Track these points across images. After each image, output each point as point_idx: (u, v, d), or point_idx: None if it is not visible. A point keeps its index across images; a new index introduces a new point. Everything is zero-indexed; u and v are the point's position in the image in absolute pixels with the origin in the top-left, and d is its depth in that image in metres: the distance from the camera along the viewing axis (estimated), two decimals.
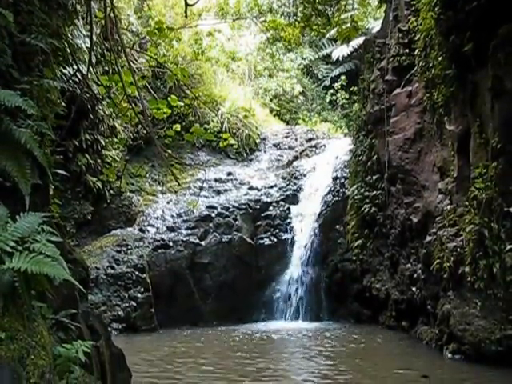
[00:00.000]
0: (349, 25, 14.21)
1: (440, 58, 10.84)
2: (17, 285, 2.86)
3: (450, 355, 10.35)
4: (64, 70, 10.95)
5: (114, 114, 16.02)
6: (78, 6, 11.53)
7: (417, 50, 12.33)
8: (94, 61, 13.25)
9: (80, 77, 11.61)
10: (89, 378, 3.53)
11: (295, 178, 17.88)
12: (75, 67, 8.71)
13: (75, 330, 4.23)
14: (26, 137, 3.51)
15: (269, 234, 16.17)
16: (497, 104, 9.24)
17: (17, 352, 2.79)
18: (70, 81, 11.37)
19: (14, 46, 4.95)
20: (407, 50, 13.13)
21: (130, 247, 15.13)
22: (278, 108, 26.13)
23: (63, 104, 9.18)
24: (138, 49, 17.51)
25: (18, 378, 2.66)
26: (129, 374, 5.95)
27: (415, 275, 12.54)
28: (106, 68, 15.44)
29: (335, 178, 17.17)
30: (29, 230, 3.04)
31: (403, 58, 13.18)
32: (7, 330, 2.81)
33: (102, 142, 15.98)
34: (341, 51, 26.23)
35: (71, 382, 3.17)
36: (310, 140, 20.69)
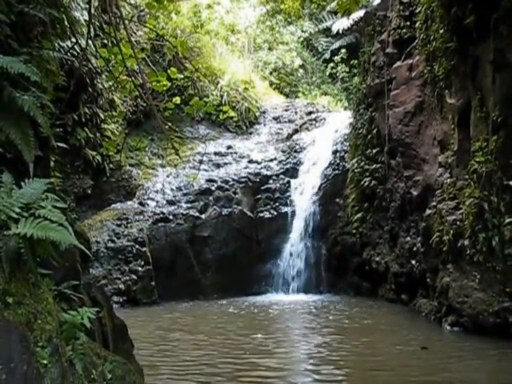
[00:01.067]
0: None
1: (441, 31, 10.78)
2: (22, 251, 2.89)
3: (448, 327, 10.45)
4: (62, 44, 10.88)
5: (113, 88, 15.95)
6: None
7: (418, 23, 12.25)
8: (92, 34, 13.16)
9: (78, 50, 11.57)
10: (93, 345, 3.59)
11: (295, 151, 17.87)
12: (74, 40, 8.66)
13: (78, 301, 4.27)
14: (29, 104, 3.50)
15: (269, 207, 16.23)
16: (498, 77, 9.22)
17: (24, 317, 2.84)
18: (69, 54, 11.30)
19: (13, 16, 4.92)
20: (408, 23, 13.05)
21: (130, 221, 15.18)
22: (277, 81, 25.99)
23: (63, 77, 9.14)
24: (137, 21, 17.38)
25: (27, 341, 2.72)
26: (131, 345, 6.00)
27: (415, 248, 12.62)
28: (105, 41, 15.33)
29: (335, 152, 17.17)
30: (34, 197, 3.06)
31: (404, 30, 13.11)
32: (14, 295, 2.85)
33: (101, 115, 15.93)
34: (341, 24, 25.98)
35: (77, 347, 3.22)
36: (309, 113, 20.63)
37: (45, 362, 2.81)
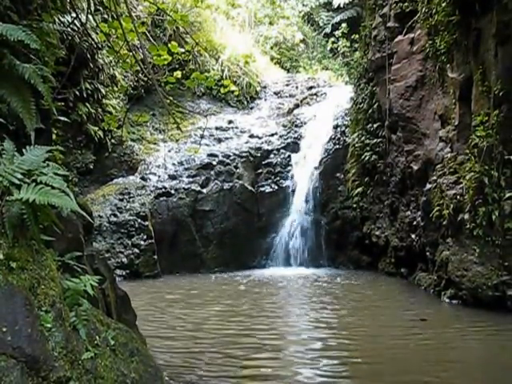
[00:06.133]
0: None
1: (443, 4, 10.67)
2: (25, 217, 2.91)
3: (447, 300, 10.52)
4: (62, 18, 10.80)
5: (113, 63, 15.88)
6: None
7: None
8: (92, 8, 13.06)
9: (79, 25, 11.49)
10: (96, 312, 3.63)
11: (296, 125, 17.83)
12: (74, 15, 8.60)
13: (81, 271, 4.30)
14: (29, 72, 3.49)
15: (270, 181, 16.25)
16: (501, 51, 9.16)
17: (28, 281, 2.88)
18: (69, 29, 11.23)
19: None
20: None
21: (132, 195, 15.22)
22: (278, 56, 25.85)
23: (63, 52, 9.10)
24: None
25: (30, 304, 2.75)
26: (134, 316, 6.05)
27: (415, 222, 12.65)
28: (105, 16, 15.22)
29: (336, 126, 17.13)
30: (35, 164, 3.07)
31: (406, 4, 12.97)
32: (18, 260, 2.88)
33: (103, 91, 15.88)
34: None
35: (80, 313, 3.26)
36: (310, 88, 20.55)
37: (49, 325, 2.85)
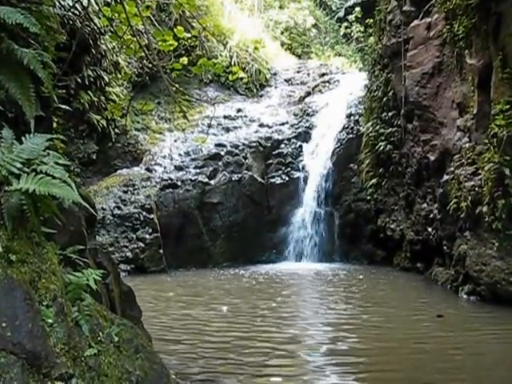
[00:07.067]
0: None
1: None
2: (25, 208, 2.92)
3: (465, 296, 10.51)
4: (63, 2, 10.81)
5: (117, 49, 15.87)
6: None
7: None
8: None
9: (80, 9, 11.49)
10: (100, 307, 3.64)
11: (307, 114, 17.80)
12: None
13: (83, 265, 4.31)
14: (28, 57, 3.48)
15: (280, 172, 16.25)
16: None
17: (28, 275, 2.88)
18: (70, 13, 11.23)
19: None
20: None
21: (136, 187, 15.25)
22: (289, 41, 25.75)
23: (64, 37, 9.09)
24: None
25: (31, 299, 2.76)
26: (139, 312, 6.03)
27: (431, 215, 12.62)
28: (108, 0, 15.21)
29: (349, 115, 17.10)
30: (35, 153, 3.07)
31: None
32: (17, 252, 2.88)
33: (106, 78, 15.89)
34: None
35: (83, 308, 3.27)
36: (322, 75, 20.48)
37: (50, 321, 2.86)
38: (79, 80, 14.57)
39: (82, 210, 5.27)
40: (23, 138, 3.22)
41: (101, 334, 3.38)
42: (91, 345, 3.20)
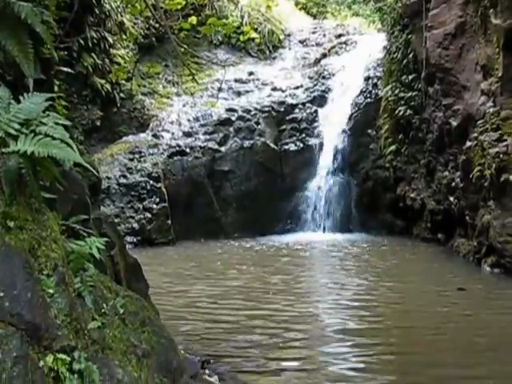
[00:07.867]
0: None
1: None
2: (23, 171, 2.88)
3: (488, 268, 10.50)
4: None
5: (121, 8, 15.75)
6: None
7: None
8: None
9: None
10: (104, 278, 3.62)
11: (323, 77, 17.66)
12: None
13: (87, 236, 4.29)
14: (26, 11, 3.41)
15: (294, 138, 16.17)
16: None
17: (27, 242, 2.85)
18: None
19: None
20: None
21: (143, 154, 15.24)
22: (304, 1, 25.46)
23: None
24: None
25: (30, 267, 2.74)
26: (146, 284, 5.98)
27: (453, 184, 12.55)
28: None
29: (367, 78, 16.97)
30: (34, 113, 3.02)
31: None
32: (16, 219, 2.85)
33: (110, 39, 15.82)
34: None
35: (85, 279, 3.24)
36: (339, 36, 20.27)
37: (51, 291, 2.83)
38: (82, 42, 14.48)
39: (86, 177, 5.23)
40: (21, 98, 3.17)
41: (105, 305, 3.36)
42: (95, 317, 3.18)
